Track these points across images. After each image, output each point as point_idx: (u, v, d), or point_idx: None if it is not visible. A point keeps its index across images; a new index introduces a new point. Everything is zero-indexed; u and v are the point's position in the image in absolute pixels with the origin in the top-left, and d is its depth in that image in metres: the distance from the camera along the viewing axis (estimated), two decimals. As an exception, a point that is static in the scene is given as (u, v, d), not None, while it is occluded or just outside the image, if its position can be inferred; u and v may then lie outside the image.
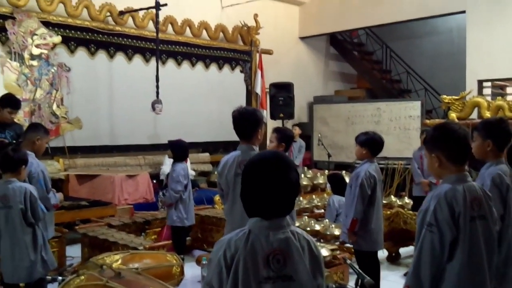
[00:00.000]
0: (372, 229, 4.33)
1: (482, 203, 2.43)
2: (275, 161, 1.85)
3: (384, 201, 6.70)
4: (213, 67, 10.30)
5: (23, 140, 4.42)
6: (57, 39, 7.79)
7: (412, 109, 10.55)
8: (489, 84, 10.06)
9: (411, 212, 6.02)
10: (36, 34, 7.53)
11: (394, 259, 6.17)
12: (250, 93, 10.85)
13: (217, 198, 7.43)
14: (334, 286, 3.62)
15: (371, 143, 4.39)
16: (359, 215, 4.26)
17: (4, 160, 3.82)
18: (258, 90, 10.69)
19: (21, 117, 7.25)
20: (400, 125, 10.56)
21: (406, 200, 7.35)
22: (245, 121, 3.51)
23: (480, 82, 9.79)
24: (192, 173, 8.60)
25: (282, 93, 10.60)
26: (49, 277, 4.04)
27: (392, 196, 7.57)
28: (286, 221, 1.84)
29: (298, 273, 1.78)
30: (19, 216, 3.74)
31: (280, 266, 1.76)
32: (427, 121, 8.49)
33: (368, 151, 4.39)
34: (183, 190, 5.87)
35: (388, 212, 6.02)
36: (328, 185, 8.29)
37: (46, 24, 7.69)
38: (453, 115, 7.73)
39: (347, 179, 7.51)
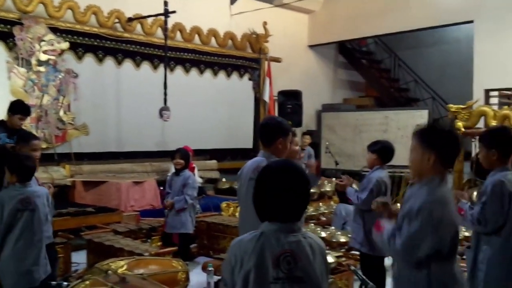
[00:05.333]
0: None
1: None
2: (289, 168, 1.91)
3: (392, 209, 6.65)
4: (222, 75, 10.32)
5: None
6: (65, 45, 7.84)
7: (419, 117, 10.46)
8: (496, 93, 9.99)
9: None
10: (44, 40, 7.59)
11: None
12: (258, 100, 10.85)
13: (224, 205, 7.41)
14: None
15: (383, 151, 4.57)
16: (363, 206, 4.35)
17: (24, 168, 3.84)
18: (266, 97, 10.70)
19: (28, 123, 7.29)
20: (407, 133, 10.35)
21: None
22: (265, 127, 3.53)
23: (487, 92, 9.72)
24: (199, 180, 8.60)
25: (290, 101, 10.59)
26: (53, 283, 4.01)
27: (398, 204, 7.50)
28: (297, 225, 1.89)
29: (308, 275, 1.81)
30: (38, 219, 3.77)
31: (290, 267, 1.80)
32: (435, 130, 8.42)
33: (380, 158, 4.56)
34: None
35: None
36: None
37: (54, 30, 7.75)
38: (459, 124, 7.66)
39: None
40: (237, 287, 1.82)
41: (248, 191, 3.38)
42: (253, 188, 1.93)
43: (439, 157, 2.38)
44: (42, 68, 7.61)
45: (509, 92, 10.51)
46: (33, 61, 7.50)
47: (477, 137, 3.57)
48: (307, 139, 9.83)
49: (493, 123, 7.34)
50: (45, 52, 7.59)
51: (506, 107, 8.08)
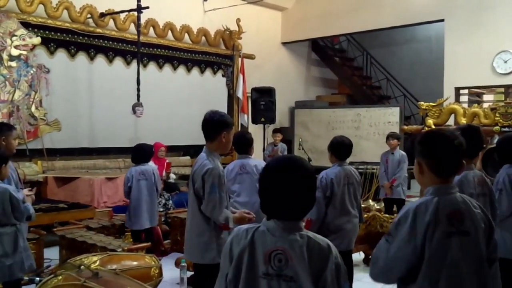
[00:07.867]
0: (336, 228, 4.41)
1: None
2: (288, 165, 1.90)
3: (362, 205, 6.75)
4: (195, 71, 10.32)
5: None
6: (37, 40, 7.73)
7: (391, 115, 10.68)
8: (466, 91, 10.24)
9: (387, 215, 6.12)
10: (16, 35, 7.47)
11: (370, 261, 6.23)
12: (231, 97, 10.89)
13: (197, 201, 7.42)
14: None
15: (332, 147, 4.56)
16: (313, 216, 4.34)
17: None
18: (239, 94, 10.75)
19: (-1, 118, 7.20)
20: (379, 130, 10.69)
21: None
22: (209, 122, 3.63)
23: (457, 90, 9.96)
24: (173, 176, 8.60)
25: (263, 98, 10.64)
26: (26, 278, 4.01)
27: (370, 200, 7.66)
28: (299, 225, 1.88)
29: (299, 276, 1.79)
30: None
31: (281, 265, 1.80)
32: (405, 127, 8.61)
33: (333, 155, 4.55)
34: (128, 191, 5.95)
35: (365, 215, 6.08)
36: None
37: (26, 25, 7.63)
38: (430, 121, 7.85)
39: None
40: (229, 272, 1.86)
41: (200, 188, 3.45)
42: (260, 185, 1.94)
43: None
44: (13, 63, 7.49)
45: (478, 90, 10.81)
46: (5, 56, 7.38)
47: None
48: (278, 136, 9.99)
49: (463, 120, 7.55)
50: (16, 47, 7.48)
51: (475, 105, 8.31)
